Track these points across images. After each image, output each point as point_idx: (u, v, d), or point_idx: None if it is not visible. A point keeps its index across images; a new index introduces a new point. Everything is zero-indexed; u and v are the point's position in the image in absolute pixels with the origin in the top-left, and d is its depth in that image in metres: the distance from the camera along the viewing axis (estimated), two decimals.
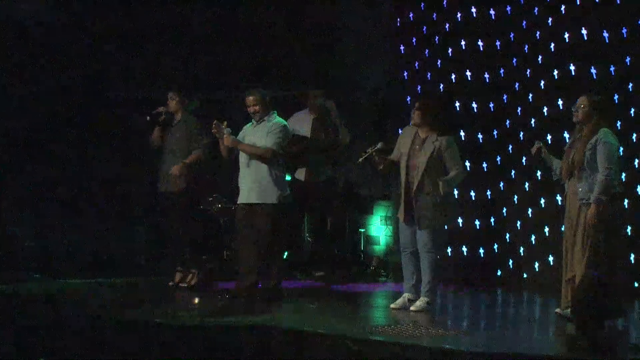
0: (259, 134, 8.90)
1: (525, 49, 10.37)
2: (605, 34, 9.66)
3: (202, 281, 9.80)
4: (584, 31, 9.82)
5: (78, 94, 11.80)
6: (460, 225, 10.68)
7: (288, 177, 10.50)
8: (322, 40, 12.12)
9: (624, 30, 9.56)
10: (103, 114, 11.82)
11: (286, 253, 10.66)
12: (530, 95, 10.33)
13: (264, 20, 12.04)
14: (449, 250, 10.36)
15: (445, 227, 8.54)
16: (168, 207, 9.85)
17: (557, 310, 7.76)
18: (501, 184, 10.55)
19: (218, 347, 7.41)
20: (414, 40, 11.31)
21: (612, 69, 9.62)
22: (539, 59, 10.24)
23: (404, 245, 8.50)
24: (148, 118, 9.87)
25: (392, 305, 8.53)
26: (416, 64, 11.30)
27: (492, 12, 10.67)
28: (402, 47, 11.43)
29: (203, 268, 10.03)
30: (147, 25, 11.79)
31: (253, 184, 8.83)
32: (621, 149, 9.47)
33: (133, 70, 11.88)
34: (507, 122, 10.58)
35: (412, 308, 8.40)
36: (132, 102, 11.46)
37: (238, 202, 8.99)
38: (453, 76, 10.99)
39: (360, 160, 8.49)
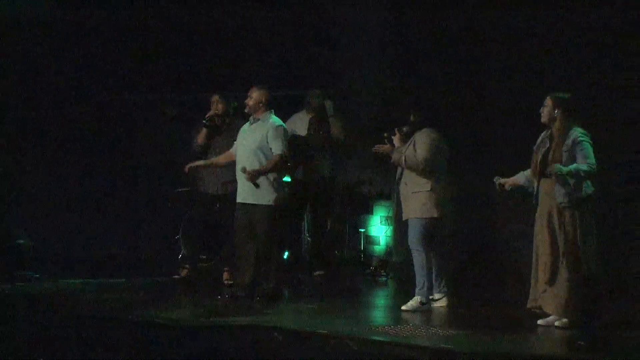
0: (256, 133, 8.91)
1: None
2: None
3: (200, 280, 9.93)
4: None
5: (78, 93, 11.81)
6: (460, 224, 10.66)
7: (287, 178, 10.52)
8: (321, 42, 12.12)
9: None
10: (103, 114, 11.84)
11: (286, 253, 10.67)
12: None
13: (263, 22, 12.05)
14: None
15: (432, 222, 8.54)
16: (210, 207, 9.86)
17: (540, 321, 7.72)
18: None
19: (218, 347, 7.41)
20: (412, 39, 11.30)
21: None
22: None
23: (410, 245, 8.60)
24: (205, 122, 9.81)
25: (403, 307, 8.53)
26: (414, 62, 11.29)
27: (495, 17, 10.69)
28: (401, 48, 11.41)
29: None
30: (145, 26, 11.82)
31: (250, 184, 8.83)
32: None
33: (132, 71, 11.90)
34: (505, 115, 10.60)
35: (402, 307, 8.44)
36: (131, 103, 11.48)
37: (237, 201, 9.00)
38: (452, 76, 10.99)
39: (386, 135, 8.66)
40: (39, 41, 11.67)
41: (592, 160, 7.43)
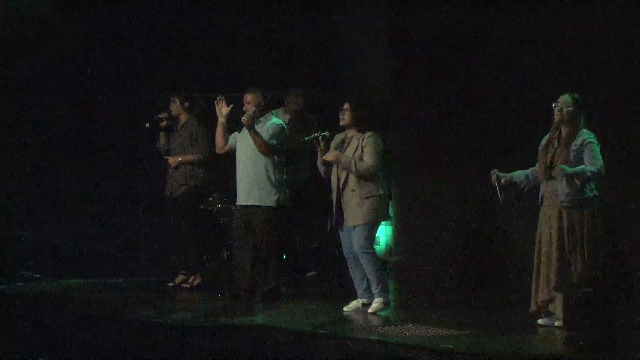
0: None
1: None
2: None
3: (203, 282, 9.85)
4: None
5: (77, 93, 11.81)
6: (458, 223, 10.65)
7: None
8: (321, 44, 12.12)
9: None
10: (103, 114, 11.84)
11: (285, 254, 10.67)
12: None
13: (263, 22, 12.04)
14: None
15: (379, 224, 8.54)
16: (172, 210, 9.88)
17: (540, 321, 7.74)
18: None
19: (218, 347, 7.41)
20: (411, 41, 11.28)
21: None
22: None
23: (346, 251, 8.51)
24: (147, 125, 9.87)
25: (344, 308, 8.50)
26: (413, 64, 11.27)
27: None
28: (400, 49, 11.40)
29: (204, 269, 10.08)
30: (145, 26, 11.81)
31: (251, 186, 8.86)
32: None
33: (133, 71, 11.90)
34: (505, 116, 10.59)
35: (369, 310, 8.35)
36: (132, 103, 11.47)
37: (236, 204, 9.02)
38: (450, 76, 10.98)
39: (305, 139, 8.57)
40: (39, 41, 11.66)
41: (601, 162, 7.43)
